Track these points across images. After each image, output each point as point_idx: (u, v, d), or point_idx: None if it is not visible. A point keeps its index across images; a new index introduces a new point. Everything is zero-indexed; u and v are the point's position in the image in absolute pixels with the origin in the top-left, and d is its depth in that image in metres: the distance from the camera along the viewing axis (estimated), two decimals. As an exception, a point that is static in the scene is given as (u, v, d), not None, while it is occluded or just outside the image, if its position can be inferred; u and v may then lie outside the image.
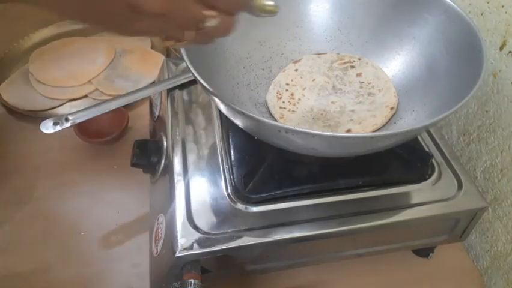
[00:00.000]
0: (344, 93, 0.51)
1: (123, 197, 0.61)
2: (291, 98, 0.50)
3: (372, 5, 0.53)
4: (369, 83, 0.51)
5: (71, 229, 0.57)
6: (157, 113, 0.58)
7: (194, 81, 0.55)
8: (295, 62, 0.54)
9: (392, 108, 0.48)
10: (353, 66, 0.53)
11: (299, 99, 0.50)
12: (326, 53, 0.54)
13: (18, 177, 0.63)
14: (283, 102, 0.50)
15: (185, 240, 0.40)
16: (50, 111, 0.72)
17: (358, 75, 0.52)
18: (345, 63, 0.53)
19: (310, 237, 0.42)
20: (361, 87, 0.51)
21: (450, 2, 0.46)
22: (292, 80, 0.52)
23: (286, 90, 0.51)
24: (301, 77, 0.52)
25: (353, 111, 0.49)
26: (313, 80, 0.52)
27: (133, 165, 0.51)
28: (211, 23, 0.32)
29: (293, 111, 0.49)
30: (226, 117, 0.40)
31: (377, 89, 0.50)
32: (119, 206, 0.60)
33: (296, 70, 0.53)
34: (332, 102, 0.50)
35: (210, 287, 0.40)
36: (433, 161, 0.48)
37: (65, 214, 0.59)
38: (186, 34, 0.32)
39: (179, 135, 0.50)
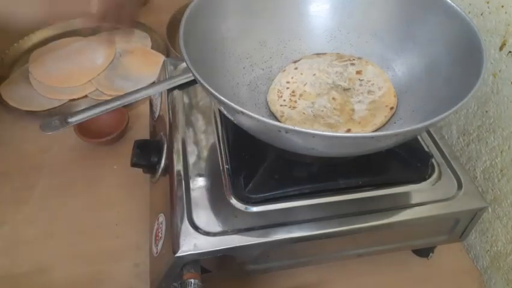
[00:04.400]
0: (344, 90, 0.51)
1: (123, 197, 0.61)
2: (292, 96, 0.50)
3: (372, 5, 0.53)
4: (368, 81, 0.51)
5: (71, 229, 0.57)
6: (157, 113, 0.58)
7: (194, 81, 0.55)
8: (295, 61, 0.54)
9: (391, 108, 0.48)
10: (353, 64, 0.53)
11: (300, 95, 0.50)
12: (325, 53, 0.54)
13: (18, 177, 0.63)
14: (284, 100, 0.50)
15: (185, 240, 0.40)
16: (50, 111, 0.72)
17: (358, 72, 0.52)
18: (345, 61, 0.53)
19: (310, 237, 0.42)
20: (361, 85, 0.51)
21: (450, 2, 0.46)
22: (292, 78, 0.52)
23: (287, 88, 0.51)
24: (301, 74, 0.52)
25: (353, 110, 0.49)
26: (314, 74, 0.52)
27: (133, 165, 0.51)
28: None
29: (294, 107, 0.49)
30: (226, 117, 0.41)
31: (376, 87, 0.50)
32: (119, 206, 0.60)
33: (296, 68, 0.53)
34: (334, 99, 0.50)
35: (210, 287, 0.40)
36: (433, 161, 0.48)
37: (65, 214, 0.59)
38: None
39: (179, 135, 0.50)
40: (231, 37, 0.50)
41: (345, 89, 0.51)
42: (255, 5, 0.52)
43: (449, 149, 0.50)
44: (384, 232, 0.45)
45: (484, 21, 0.52)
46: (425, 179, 0.46)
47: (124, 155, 0.53)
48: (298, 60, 0.54)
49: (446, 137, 0.63)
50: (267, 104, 0.51)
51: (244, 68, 0.52)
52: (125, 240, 0.56)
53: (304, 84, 0.51)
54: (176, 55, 0.79)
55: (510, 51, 0.50)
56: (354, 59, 0.53)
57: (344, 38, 0.55)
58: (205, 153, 0.48)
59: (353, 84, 0.51)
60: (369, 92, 0.50)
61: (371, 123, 0.47)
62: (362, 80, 0.51)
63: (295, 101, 0.50)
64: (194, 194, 0.44)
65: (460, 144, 0.61)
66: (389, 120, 0.48)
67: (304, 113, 0.48)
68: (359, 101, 0.50)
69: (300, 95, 0.50)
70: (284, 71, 0.53)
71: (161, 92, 0.57)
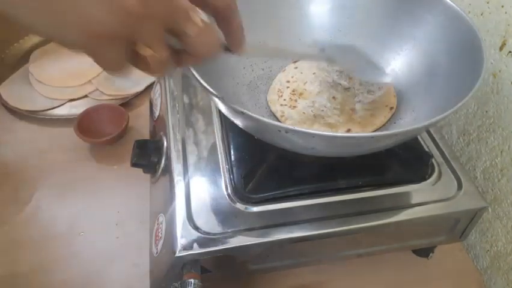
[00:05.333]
0: (344, 89, 0.51)
1: (123, 197, 0.61)
2: (292, 94, 0.50)
3: (372, 5, 0.53)
4: (367, 81, 0.51)
5: (71, 229, 0.57)
6: (157, 113, 0.58)
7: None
8: (295, 61, 0.54)
9: (391, 108, 0.48)
10: None
11: (300, 93, 0.50)
12: None
13: (18, 177, 0.63)
14: (284, 99, 0.50)
15: (185, 240, 0.40)
16: (50, 111, 0.72)
17: None
18: None
19: (310, 237, 0.42)
20: (361, 84, 0.51)
21: (450, 2, 0.46)
22: (292, 77, 0.52)
23: (287, 87, 0.51)
24: (301, 73, 0.52)
25: (353, 110, 0.49)
26: (314, 73, 0.52)
27: (133, 165, 0.51)
28: (192, 29, 0.26)
29: (294, 107, 0.49)
30: (226, 117, 0.41)
31: (376, 87, 0.50)
32: (119, 206, 0.60)
33: (296, 68, 0.53)
34: (334, 98, 0.50)
35: (210, 287, 0.40)
36: (433, 161, 0.48)
37: (65, 214, 0.59)
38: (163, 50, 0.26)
39: (179, 135, 0.50)
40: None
41: (346, 88, 0.51)
42: (255, 5, 0.51)
43: (449, 149, 0.50)
44: (384, 232, 0.45)
45: (484, 21, 0.52)
46: (425, 179, 0.46)
47: (124, 155, 0.54)
48: (298, 60, 0.54)
49: (446, 137, 0.63)
50: (267, 103, 0.51)
51: (244, 68, 0.52)
52: (125, 240, 0.56)
53: (305, 83, 0.51)
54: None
55: (510, 51, 0.50)
56: None
57: (344, 38, 0.55)
58: (205, 153, 0.48)
59: (353, 84, 0.51)
60: (369, 91, 0.50)
61: (370, 123, 0.47)
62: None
63: (296, 100, 0.50)
64: (194, 194, 0.44)
65: (460, 144, 0.61)
66: (388, 120, 0.48)
67: (304, 113, 0.48)
68: (359, 101, 0.50)
69: (300, 94, 0.50)
70: (284, 70, 0.53)
71: (161, 92, 0.57)
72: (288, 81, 0.52)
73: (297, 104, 0.49)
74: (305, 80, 0.51)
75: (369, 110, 0.48)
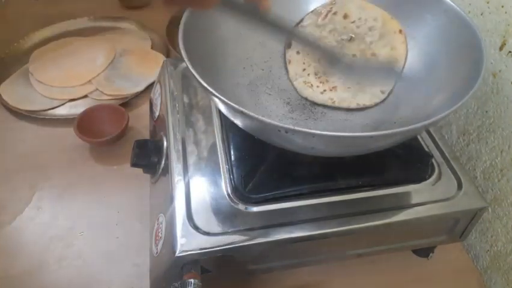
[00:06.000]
0: (349, 42, 0.50)
1: (123, 197, 0.61)
2: (318, 78, 0.51)
3: (372, 5, 0.53)
4: (360, 19, 0.51)
5: (71, 229, 0.57)
6: (157, 113, 0.58)
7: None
8: (288, 47, 0.53)
9: (400, 31, 0.48)
10: (335, 13, 0.52)
11: (324, 72, 0.51)
12: (302, 20, 0.53)
13: (18, 177, 0.63)
14: (318, 86, 0.51)
15: (185, 240, 0.40)
16: (50, 111, 0.72)
17: (345, 17, 0.51)
18: (326, 15, 0.52)
19: (310, 237, 0.42)
20: (358, 27, 0.50)
21: (450, 2, 0.46)
22: (304, 63, 0.52)
23: (308, 74, 0.51)
24: (308, 54, 0.52)
25: (374, 54, 0.49)
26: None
27: (133, 165, 0.51)
28: None
29: (333, 87, 0.50)
30: (226, 117, 0.41)
31: (372, 20, 0.50)
32: (119, 206, 0.60)
33: (298, 52, 0.53)
34: (353, 55, 0.50)
35: (210, 287, 0.40)
36: (433, 161, 0.48)
37: (65, 214, 0.59)
38: None
39: (179, 135, 0.50)
40: (231, 37, 0.50)
41: (350, 41, 0.50)
42: (255, 5, 0.51)
43: (449, 149, 0.50)
44: (384, 232, 0.45)
45: (484, 21, 0.52)
46: (425, 179, 0.46)
47: (124, 155, 0.54)
48: (290, 46, 0.53)
49: (446, 137, 0.63)
50: (302, 97, 0.51)
51: (244, 68, 0.52)
52: (125, 240, 0.56)
53: (319, 60, 0.51)
54: (176, 55, 0.79)
55: (510, 51, 0.50)
56: (331, 5, 0.52)
57: (344, 38, 0.55)
58: (205, 153, 0.48)
59: (352, 31, 0.51)
60: (370, 28, 0.50)
61: (395, 56, 0.48)
62: (353, 22, 0.51)
63: (327, 80, 0.50)
64: (194, 194, 0.44)
65: (460, 144, 0.61)
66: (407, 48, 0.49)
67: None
68: (370, 42, 0.49)
69: (324, 73, 0.50)
70: (290, 62, 0.53)
71: (161, 92, 0.57)
72: (304, 70, 0.52)
73: (329, 79, 0.50)
74: (316, 57, 0.51)
75: (385, 45, 0.49)
